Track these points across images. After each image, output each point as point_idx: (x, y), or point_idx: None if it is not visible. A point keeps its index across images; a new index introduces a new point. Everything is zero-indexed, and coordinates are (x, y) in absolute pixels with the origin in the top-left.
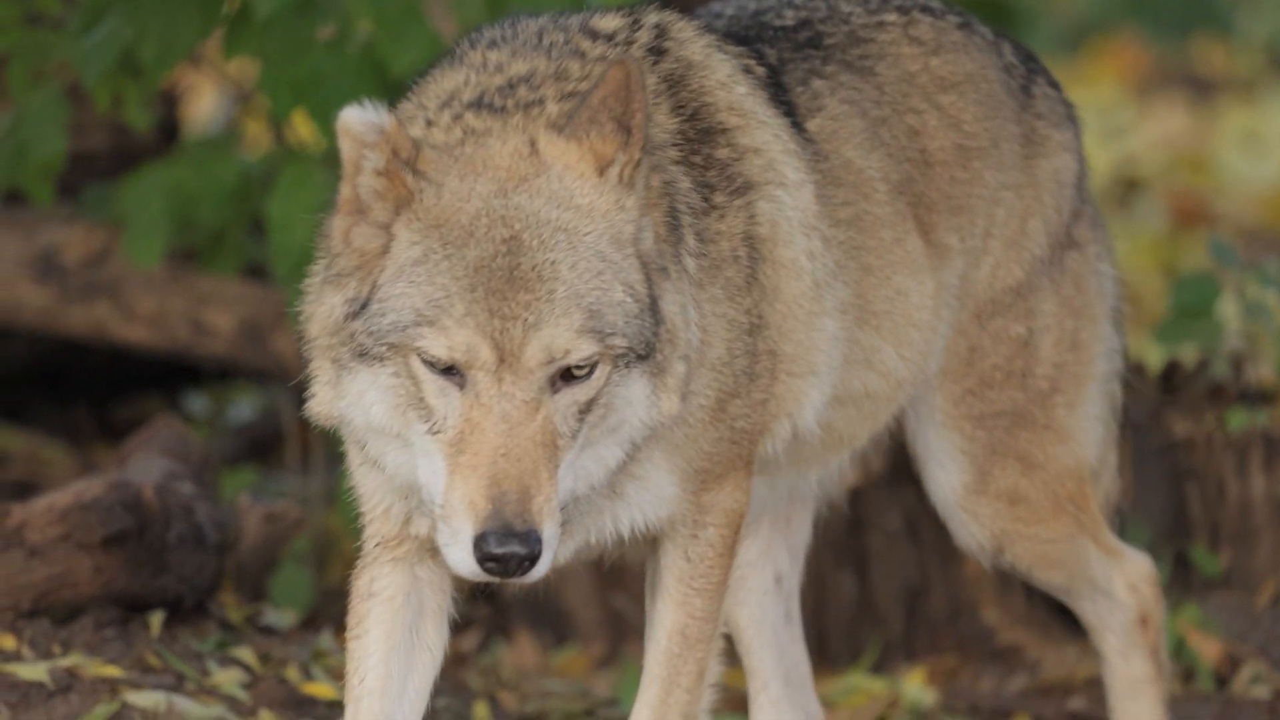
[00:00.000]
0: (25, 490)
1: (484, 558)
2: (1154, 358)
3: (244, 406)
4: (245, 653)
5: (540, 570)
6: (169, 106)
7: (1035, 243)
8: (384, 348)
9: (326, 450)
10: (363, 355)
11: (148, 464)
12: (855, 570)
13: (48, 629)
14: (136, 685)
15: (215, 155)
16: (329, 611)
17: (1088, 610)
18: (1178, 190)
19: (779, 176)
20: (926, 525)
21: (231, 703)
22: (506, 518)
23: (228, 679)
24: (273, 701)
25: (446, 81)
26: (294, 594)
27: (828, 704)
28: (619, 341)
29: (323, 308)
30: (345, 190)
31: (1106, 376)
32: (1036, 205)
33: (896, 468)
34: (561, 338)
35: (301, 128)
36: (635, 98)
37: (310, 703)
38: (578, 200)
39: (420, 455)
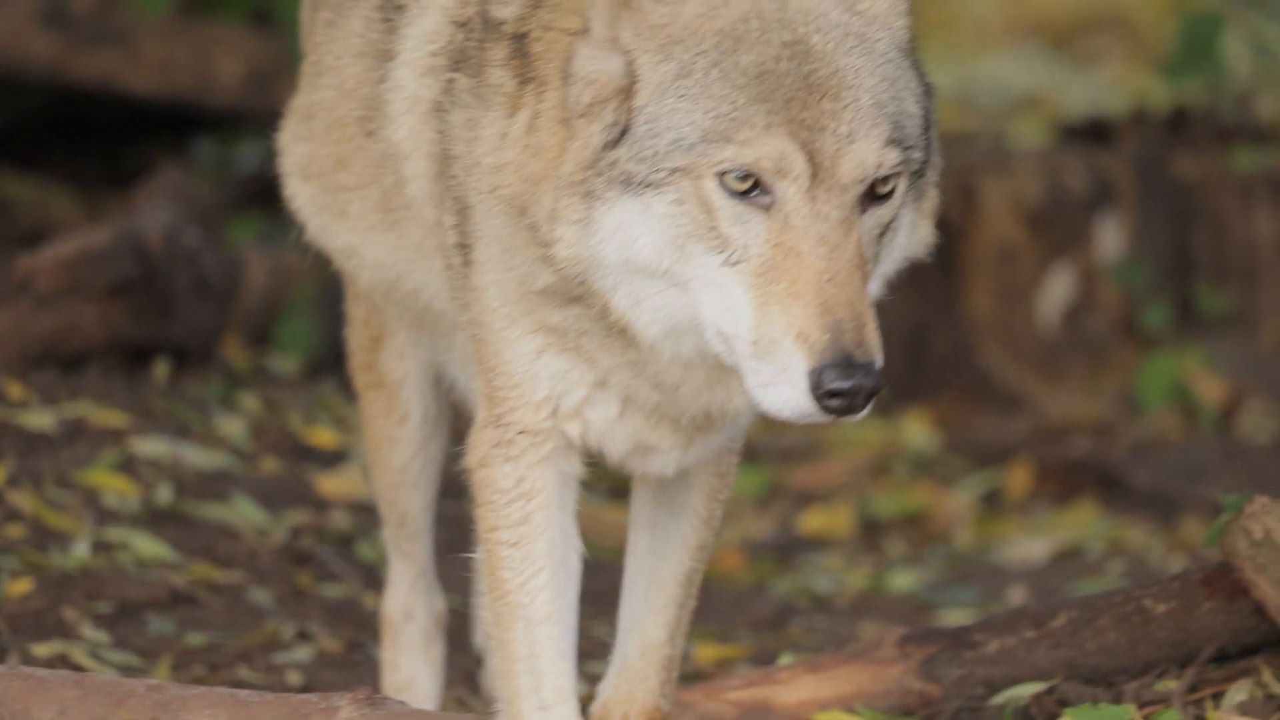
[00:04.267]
0: (35, 239)
1: (826, 394)
2: (1163, 98)
3: (250, 154)
4: (249, 400)
5: (869, 410)
6: None
7: None
8: (663, 172)
9: None
10: (628, 183)
11: (154, 213)
12: None
13: (55, 377)
14: (142, 433)
15: None
16: (332, 359)
17: None
18: None
19: None
20: (927, 268)
21: (235, 450)
22: (846, 347)
23: (231, 427)
24: (276, 449)
25: None
26: (298, 341)
27: (828, 449)
28: (917, 155)
29: (576, 142)
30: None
31: None
32: None
33: None
34: (874, 149)
35: None
36: None
37: (312, 450)
38: (860, 5)
39: (706, 291)
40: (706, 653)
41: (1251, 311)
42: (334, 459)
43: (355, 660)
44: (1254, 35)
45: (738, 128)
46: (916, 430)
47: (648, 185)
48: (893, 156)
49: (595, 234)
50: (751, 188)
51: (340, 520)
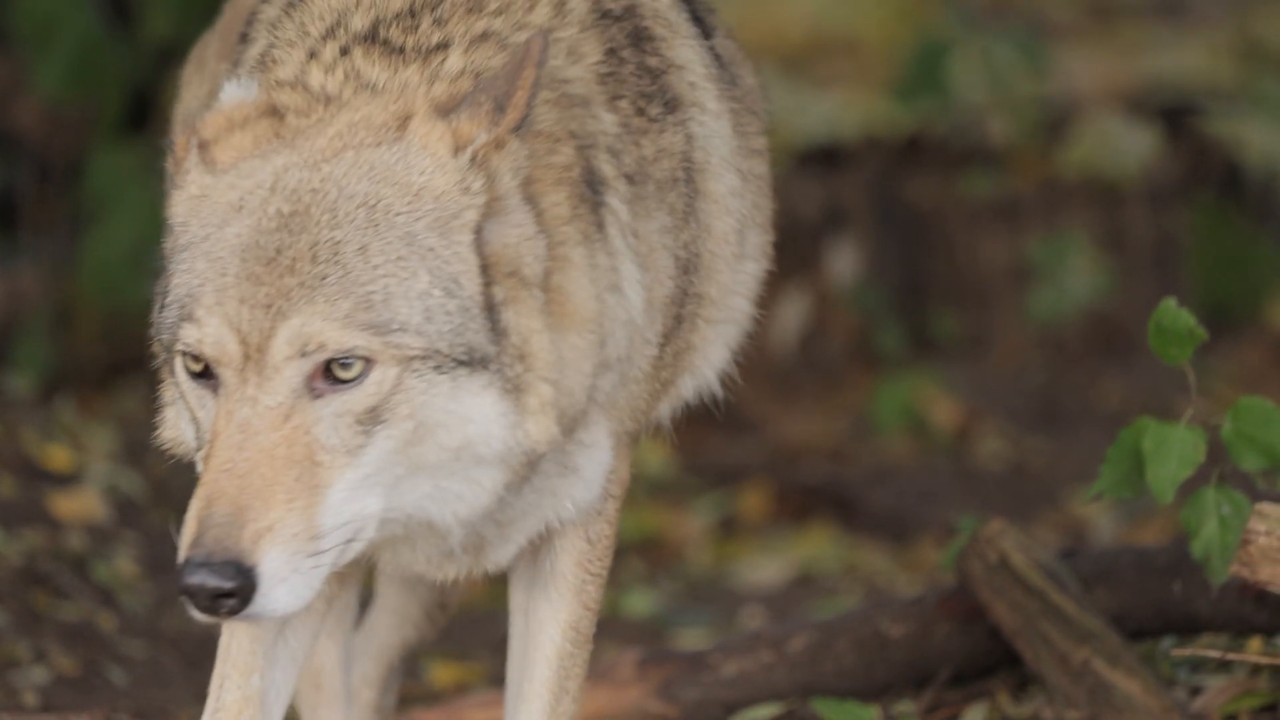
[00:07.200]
0: None
1: (181, 591)
2: (897, 123)
3: None
4: None
5: (266, 608)
6: None
7: None
8: (167, 352)
9: (67, 219)
10: (168, 363)
11: None
12: None
13: None
14: None
15: None
16: (69, 380)
17: None
18: None
19: (703, 99)
20: None
21: None
22: (206, 544)
23: None
24: (11, 469)
25: None
26: (33, 362)
27: None
28: (411, 340)
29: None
30: None
31: None
32: None
33: None
34: (313, 326)
35: None
36: (524, 75)
37: (47, 472)
38: (410, 177)
39: None
40: (445, 674)
41: (983, 335)
42: (69, 480)
43: (92, 682)
44: (986, 59)
45: (194, 306)
46: (652, 452)
47: (169, 366)
48: (346, 337)
49: (183, 414)
50: (205, 369)
51: (76, 541)
